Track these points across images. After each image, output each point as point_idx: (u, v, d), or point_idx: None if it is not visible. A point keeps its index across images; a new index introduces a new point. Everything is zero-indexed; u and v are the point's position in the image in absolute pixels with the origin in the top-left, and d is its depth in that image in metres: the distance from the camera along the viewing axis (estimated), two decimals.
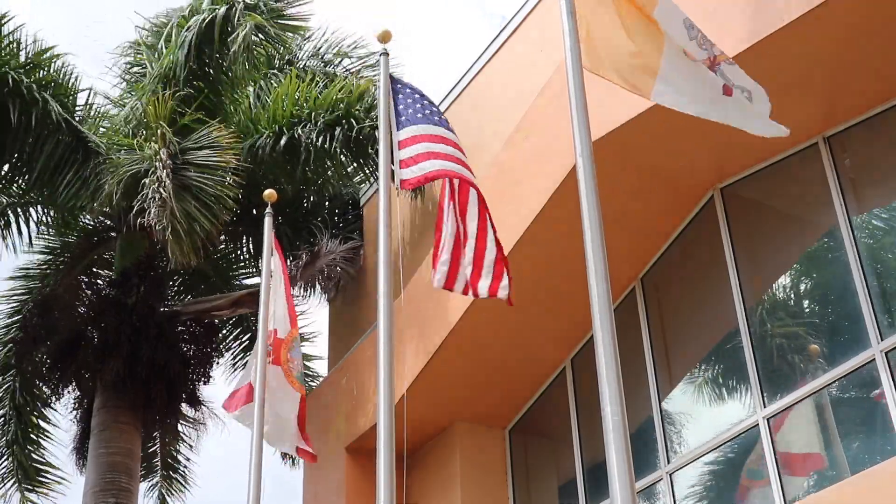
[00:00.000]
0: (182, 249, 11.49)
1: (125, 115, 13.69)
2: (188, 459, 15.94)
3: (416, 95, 7.35)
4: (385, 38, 7.77)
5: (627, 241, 9.94)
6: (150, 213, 11.43)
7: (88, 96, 13.69)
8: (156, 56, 13.81)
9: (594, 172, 5.33)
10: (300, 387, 9.70)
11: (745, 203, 9.51)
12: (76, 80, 13.46)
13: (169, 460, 15.74)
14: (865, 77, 8.07)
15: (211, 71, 13.25)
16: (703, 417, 9.78)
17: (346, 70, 14.94)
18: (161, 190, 11.36)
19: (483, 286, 6.71)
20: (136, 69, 14.69)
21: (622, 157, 9.04)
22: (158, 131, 11.88)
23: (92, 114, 13.75)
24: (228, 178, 11.70)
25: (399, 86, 7.45)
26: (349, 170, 13.70)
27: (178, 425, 15.10)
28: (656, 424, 9.79)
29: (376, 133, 9.18)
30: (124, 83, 14.73)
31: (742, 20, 7.86)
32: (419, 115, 7.20)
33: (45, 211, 14.13)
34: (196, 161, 11.85)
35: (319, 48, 15.25)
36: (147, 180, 11.65)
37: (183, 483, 15.90)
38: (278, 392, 9.54)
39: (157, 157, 11.67)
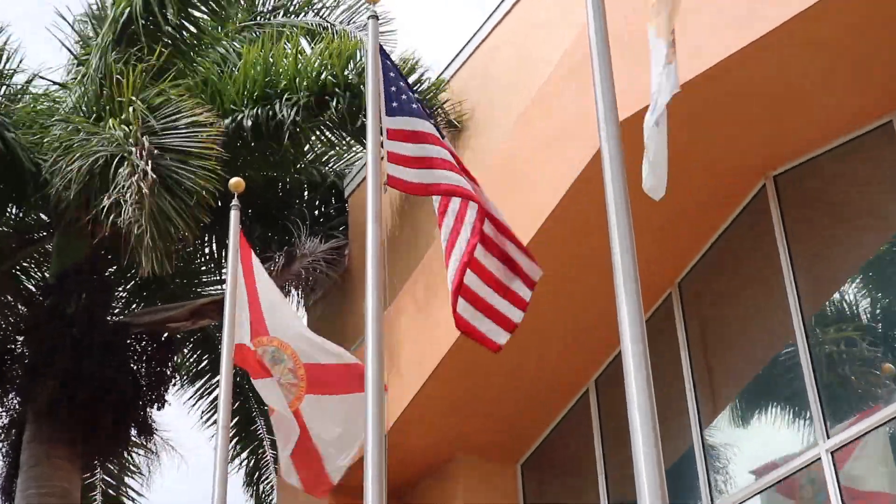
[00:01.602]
0: (155, 256, 11.25)
1: (77, 98, 13.54)
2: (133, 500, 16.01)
3: (401, 81, 7.45)
4: None
5: (662, 240, 9.96)
6: (125, 211, 11.15)
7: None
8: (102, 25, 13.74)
9: (622, 159, 5.34)
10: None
11: (802, 194, 9.53)
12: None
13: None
14: None
15: (167, 33, 13.20)
16: (753, 450, 9.80)
17: (326, 21, 14.96)
18: (141, 183, 11.11)
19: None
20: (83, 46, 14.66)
21: None
22: (130, 108, 11.63)
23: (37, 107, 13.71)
24: (210, 167, 11.40)
25: (387, 61, 7.52)
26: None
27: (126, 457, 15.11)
28: (697, 458, 9.82)
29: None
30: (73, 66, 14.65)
31: None
32: (414, 105, 7.24)
33: None
34: (172, 146, 11.60)
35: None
36: (122, 170, 11.37)
37: None
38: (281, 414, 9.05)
39: (134, 139, 11.40)
